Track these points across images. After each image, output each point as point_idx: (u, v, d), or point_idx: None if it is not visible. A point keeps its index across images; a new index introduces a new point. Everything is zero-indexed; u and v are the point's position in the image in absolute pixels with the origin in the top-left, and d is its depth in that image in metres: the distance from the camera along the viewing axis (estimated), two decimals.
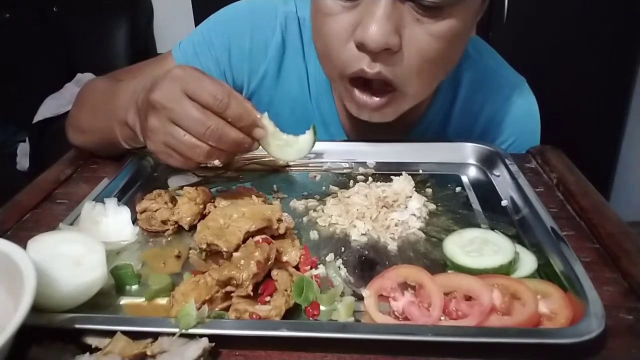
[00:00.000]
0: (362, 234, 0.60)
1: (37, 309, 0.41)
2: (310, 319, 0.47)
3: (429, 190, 0.69)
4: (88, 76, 2.01)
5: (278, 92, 0.85)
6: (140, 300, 0.50)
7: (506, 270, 0.50)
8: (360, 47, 0.63)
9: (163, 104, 0.55)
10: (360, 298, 0.48)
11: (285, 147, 0.63)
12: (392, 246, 0.58)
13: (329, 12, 0.64)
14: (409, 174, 0.68)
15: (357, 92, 0.68)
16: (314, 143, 0.65)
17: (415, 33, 0.62)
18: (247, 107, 0.57)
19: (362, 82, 0.67)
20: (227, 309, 0.47)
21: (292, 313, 0.47)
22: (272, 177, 0.73)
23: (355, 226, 0.60)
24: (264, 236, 0.51)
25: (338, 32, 0.64)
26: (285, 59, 0.84)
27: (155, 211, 0.61)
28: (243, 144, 0.58)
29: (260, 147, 0.62)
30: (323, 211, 0.64)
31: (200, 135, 0.55)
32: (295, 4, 0.83)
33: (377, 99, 0.67)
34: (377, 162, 0.76)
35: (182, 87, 0.55)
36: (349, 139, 0.86)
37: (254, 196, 0.61)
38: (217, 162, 0.58)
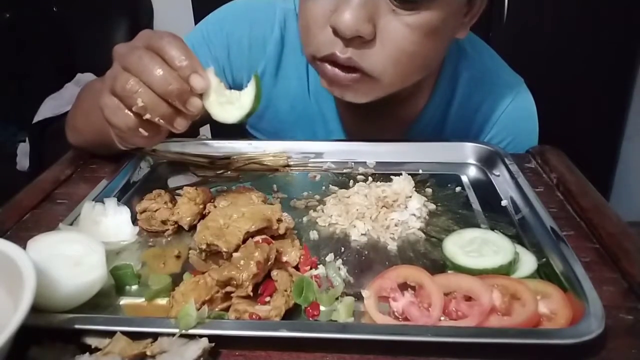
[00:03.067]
0: (362, 234, 0.60)
1: (37, 309, 0.41)
2: (310, 319, 0.47)
3: (429, 190, 0.69)
4: (88, 76, 2.00)
5: (277, 89, 0.85)
6: (140, 300, 0.50)
7: (506, 270, 0.50)
8: (335, 32, 0.63)
9: (121, 53, 0.55)
10: (360, 298, 0.48)
11: (227, 104, 0.56)
12: (392, 246, 0.58)
13: None
14: (408, 174, 0.68)
15: (327, 66, 0.68)
16: (257, 98, 0.56)
17: (390, 24, 0.63)
18: (193, 55, 0.54)
19: (333, 64, 0.67)
20: (227, 309, 0.47)
21: (292, 313, 0.47)
22: (272, 177, 0.73)
23: (355, 226, 0.60)
24: (263, 236, 0.51)
25: (316, 15, 0.65)
26: (284, 56, 0.84)
27: (155, 211, 0.61)
28: (174, 89, 0.52)
29: (203, 119, 0.56)
30: (323, 211, 0.64)
31: (134, 70, 0.52)
32: (293, 1, 0.83)
33: (347, 74, 0.67)
34: (377, 162, 0.76)
35: (144, 41, 0.55)
36: (348, 136, 0.86)
37: (253, 196, 0.61)
38: (140, 103, 0.52)
